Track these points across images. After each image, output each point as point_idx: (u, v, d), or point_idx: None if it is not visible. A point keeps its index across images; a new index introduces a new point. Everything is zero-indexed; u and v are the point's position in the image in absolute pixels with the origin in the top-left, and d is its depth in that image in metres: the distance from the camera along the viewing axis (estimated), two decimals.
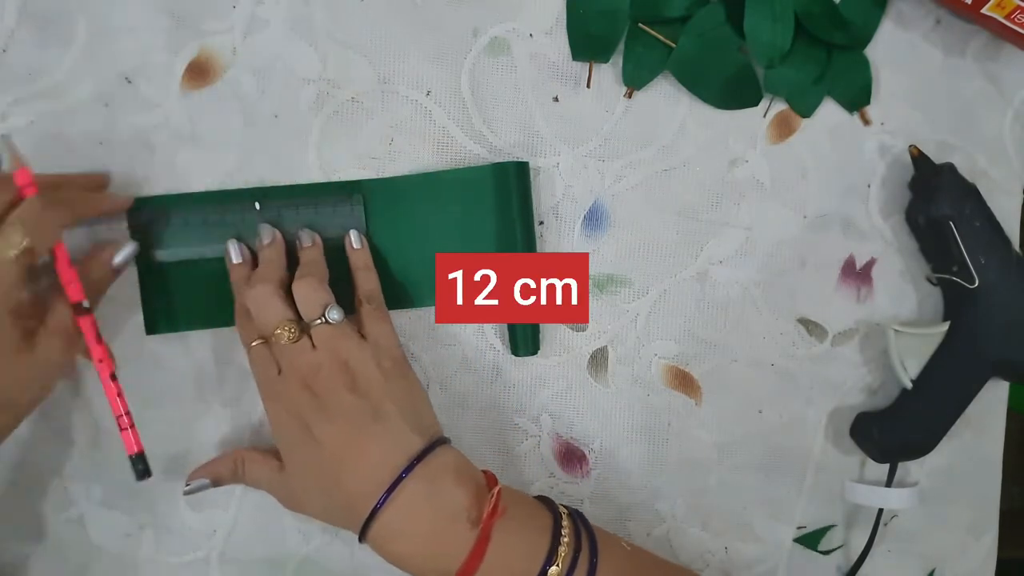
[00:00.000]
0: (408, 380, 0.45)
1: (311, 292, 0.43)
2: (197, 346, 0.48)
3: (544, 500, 0.44)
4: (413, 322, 0.50)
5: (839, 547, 0.54)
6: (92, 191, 0.46)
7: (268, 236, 0.46)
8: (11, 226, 0.39)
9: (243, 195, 0.47)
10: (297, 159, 0.48)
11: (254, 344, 0.44)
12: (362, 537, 0.41)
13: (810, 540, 0.53)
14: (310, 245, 0.47)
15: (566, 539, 0.41)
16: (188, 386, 0.49)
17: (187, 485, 0.45)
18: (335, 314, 0.43)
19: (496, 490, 0.40)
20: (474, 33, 0.49)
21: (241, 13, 0.47)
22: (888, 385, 0.53)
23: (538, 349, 0.50)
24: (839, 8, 0.50)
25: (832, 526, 0.54)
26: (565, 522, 0.42)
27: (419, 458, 0.41)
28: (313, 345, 0.42)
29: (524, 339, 0.49)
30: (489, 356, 0.51)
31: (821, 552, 0.54)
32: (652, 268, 0.51)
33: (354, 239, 0.47)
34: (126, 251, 0.45)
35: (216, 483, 0.46)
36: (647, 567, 0.44)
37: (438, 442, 0.43)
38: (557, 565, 0.40)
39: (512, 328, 0.49)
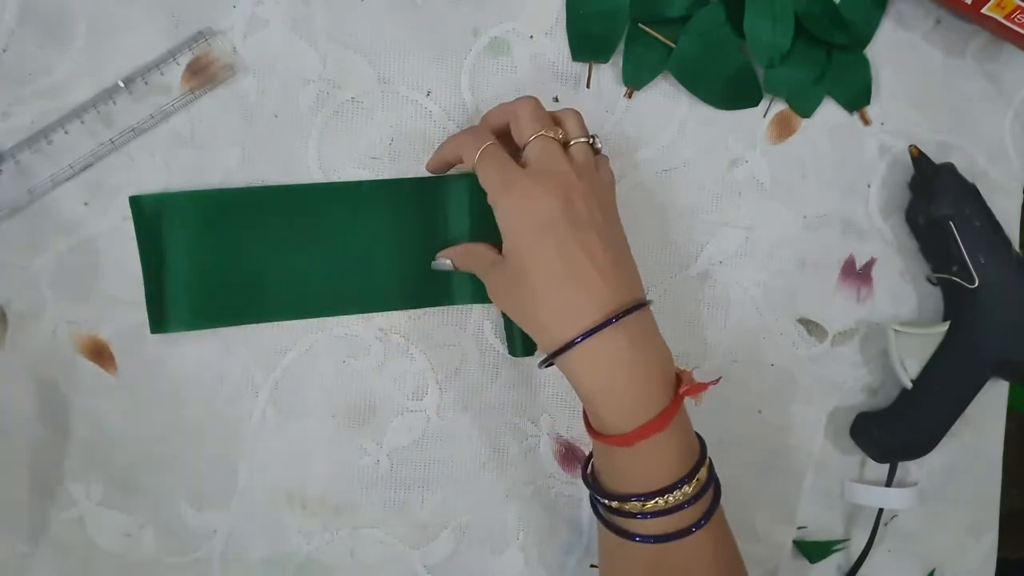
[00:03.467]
0: (622, 229, 0.45)
1: (576, 120, 0.44)
2: (197, 346, 0.48)
3: (697, 435, 0.44)
4: (412, 321, 0.50)
5: (840, 548, 0.54)
6: None
7: None
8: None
9: (247, 193, 0.47)
10: (297, 159, 0.48)
11: (488, 144, 0.43)
12: (553, 357, 0.40)
13: (818, 551, 0.53)
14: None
15: (705, 468, 0.42)
16: (188, 386, 0.49)
17: (434, 261, 0.48)
18: (600, 143, 0.45)
19: (688, 372, 0.42)
20: (474, 33, 0.49)
21: (241, 13, 0.47)
22: (888, 385, 0.53)
23: (535, 350, 0.50)
24: (839, 8, 0.50)
25: (843, 540, 0.54)
26: (707, 462, 0.42)
27: (637, 307, 0.41)
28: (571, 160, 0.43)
29: (523, 339, 0.49)
30: (489, 356, 0.51)
31: (819, 558, 0.54)
32: (652, 268, 0.51)
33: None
34: None
35: (455, 265, 0.47)
36: (732, 549, 0.45)
37: (646, 304, 0.42)
38: (690, 485, 0.40)
39: (509, 329, 0.49)
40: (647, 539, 0.41)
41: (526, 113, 0.43)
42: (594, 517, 0.51)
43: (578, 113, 0.45)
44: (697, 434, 0.44)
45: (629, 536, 0.41)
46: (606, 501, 0.42)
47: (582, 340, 0.39)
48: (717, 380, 0.42)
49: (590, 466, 0.45)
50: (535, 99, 0.44)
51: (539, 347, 0.42)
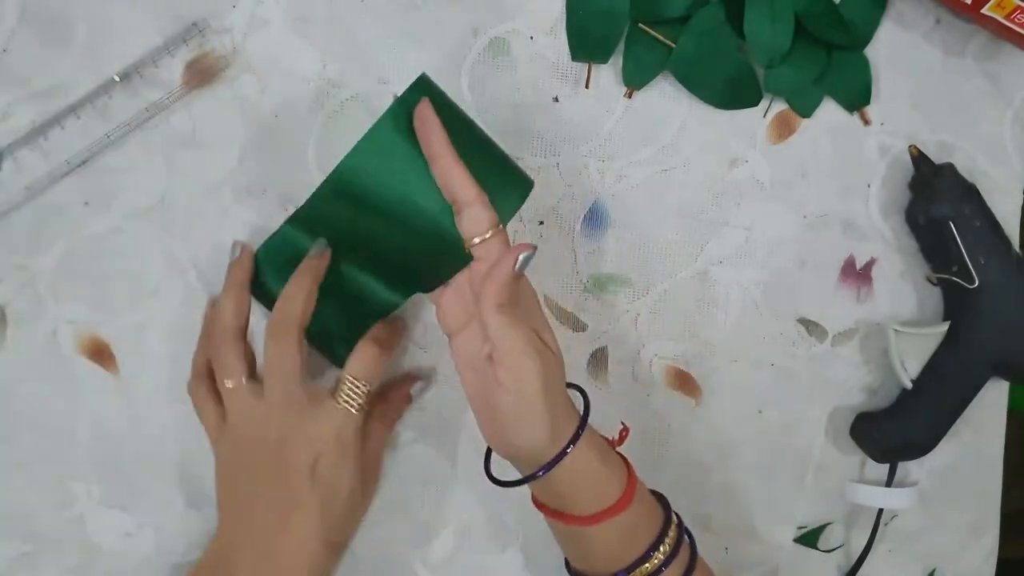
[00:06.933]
0: None
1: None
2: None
3: (659, 498, 0.45)
4: (412, 319, 0.50)
5: (839, 547, 0.54)
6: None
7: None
8: (358, 380, 0.43)
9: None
10: (297, 159, 0.48)
11: None
12: (529, 479, 0.41)
13: (809, 538, 0.53)
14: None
15: (673, 527, 0.43)
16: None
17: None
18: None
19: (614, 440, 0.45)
20: (474, 34, 0.49)
21: (241, 13, 0.47)
22: (888, 385, 0.53)
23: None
24: (839, 8, 0.50)
25: (829, 523, 0.54)
26: (674, 519, 0.44)
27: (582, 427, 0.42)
28: None
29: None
30: None
31: (821, 551, 0.54)
32: (652, 268, 0.51)
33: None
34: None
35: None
36: None
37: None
38: (664, 545, 0.42)
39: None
40: None
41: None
42: None
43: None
44: (656, 494, 0.44)
45: None
46: None
47: (559, 460, 0.40)
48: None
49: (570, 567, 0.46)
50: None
51: (526, 464, 0.42)
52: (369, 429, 0.46)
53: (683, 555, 0.42)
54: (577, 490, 0.41)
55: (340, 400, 0.42)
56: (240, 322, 0.44)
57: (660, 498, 0.45)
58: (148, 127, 0.47)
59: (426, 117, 0.40)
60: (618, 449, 0.44)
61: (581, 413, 0.42)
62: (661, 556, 0.41)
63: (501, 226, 0.40)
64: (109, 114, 0.46)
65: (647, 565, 0.41)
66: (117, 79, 0.45)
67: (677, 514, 0.44)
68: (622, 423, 0.46)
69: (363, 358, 0.43)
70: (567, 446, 0.40)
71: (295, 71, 0.48)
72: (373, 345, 0.43)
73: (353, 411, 0.42)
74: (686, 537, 0.44)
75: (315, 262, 0.44)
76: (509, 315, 0.39)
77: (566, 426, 0.41)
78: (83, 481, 0.48)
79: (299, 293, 0.43)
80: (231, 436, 0.43)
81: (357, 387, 0.42)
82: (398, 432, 0.50)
